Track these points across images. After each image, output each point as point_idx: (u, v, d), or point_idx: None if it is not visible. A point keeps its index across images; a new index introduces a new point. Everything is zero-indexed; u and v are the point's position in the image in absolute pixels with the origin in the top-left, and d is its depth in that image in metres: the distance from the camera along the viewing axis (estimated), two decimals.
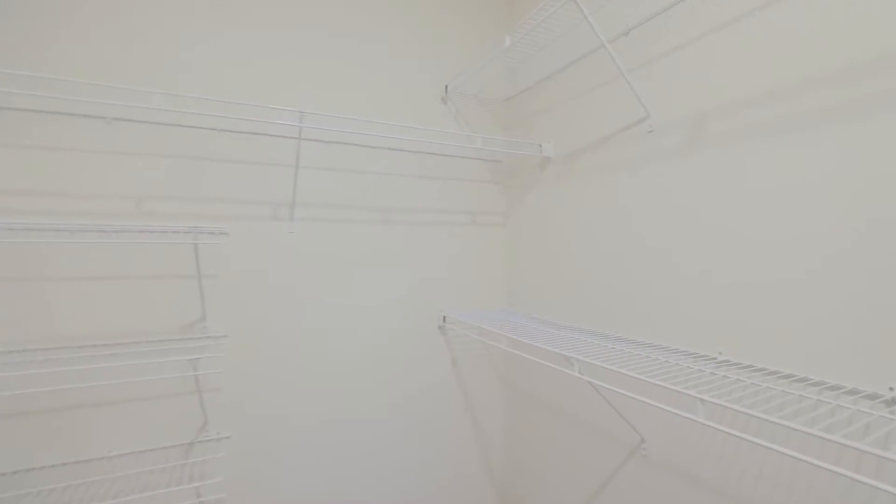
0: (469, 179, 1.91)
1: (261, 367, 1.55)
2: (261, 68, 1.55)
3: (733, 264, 1.09)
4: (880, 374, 0.84)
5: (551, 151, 1.69)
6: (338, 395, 1.67)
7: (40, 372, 1.16)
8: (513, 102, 1.95)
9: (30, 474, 1.27)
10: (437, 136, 1.65)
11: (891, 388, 0.82)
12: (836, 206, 0.90)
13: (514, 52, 1.68)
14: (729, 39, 1.10)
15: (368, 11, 1.72)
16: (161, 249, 1.41)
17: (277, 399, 1.57)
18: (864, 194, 0.87)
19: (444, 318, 1.83)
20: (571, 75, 1.61)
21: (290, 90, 1.59)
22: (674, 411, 0.83)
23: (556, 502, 1.67)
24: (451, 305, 1.87)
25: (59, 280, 1.31)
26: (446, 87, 1.84)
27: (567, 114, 1.63)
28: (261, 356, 1.55)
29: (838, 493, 0.88)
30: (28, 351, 1.26)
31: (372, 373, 1.72)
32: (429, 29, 1.83)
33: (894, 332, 0.82)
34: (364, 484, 1.71)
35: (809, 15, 0.95)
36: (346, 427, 1.68)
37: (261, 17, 1.55)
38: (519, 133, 1.90)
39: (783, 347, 0.99)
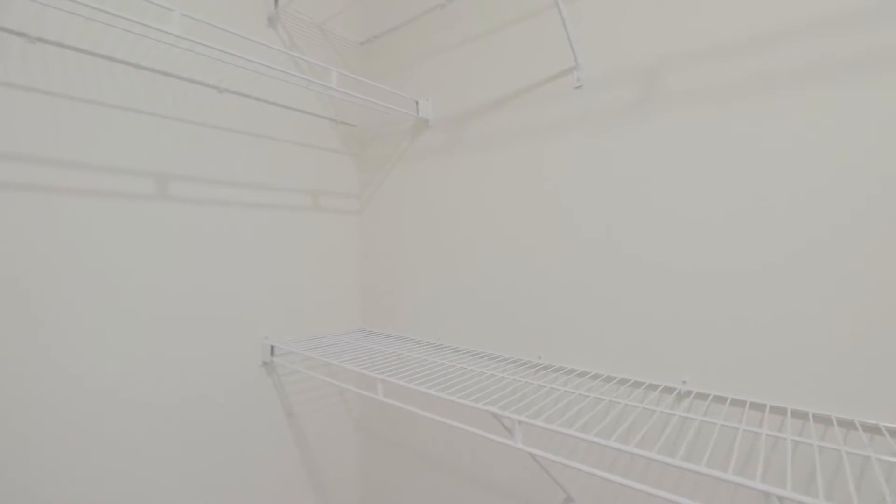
0: (309, 145, 1.32)
1: None
2: None
3: (697, 257, 0.82)
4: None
5: (430, 112, 1.25)
6: None
7: None
8: (372, 47, 1.44)
9: None
10: (263, 59, 0.98)
11: None
12: (831, 180, 0.69)
13: None
14: None
15: None
16: None
17: None
18: (865, 165, 0.67)
19: (272, 348, 1.20)
20: (457, 12, 1.20)
21: None
22: None
23: None
24: (283, 330, 1.25)
25: None
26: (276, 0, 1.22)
27: (452, 65, 1.21)
28: None
29: None
30: None
31: (151, 463, 0.99)
32: None
33: None
34: None
35: None
36: None
37: None
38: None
39: (767, 371, 0.75)
